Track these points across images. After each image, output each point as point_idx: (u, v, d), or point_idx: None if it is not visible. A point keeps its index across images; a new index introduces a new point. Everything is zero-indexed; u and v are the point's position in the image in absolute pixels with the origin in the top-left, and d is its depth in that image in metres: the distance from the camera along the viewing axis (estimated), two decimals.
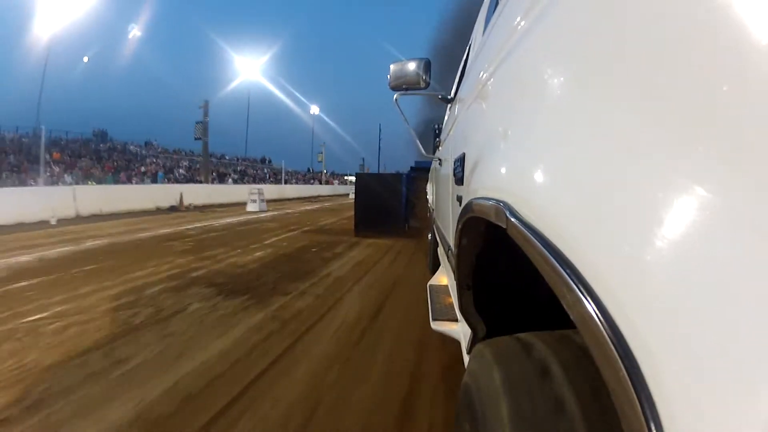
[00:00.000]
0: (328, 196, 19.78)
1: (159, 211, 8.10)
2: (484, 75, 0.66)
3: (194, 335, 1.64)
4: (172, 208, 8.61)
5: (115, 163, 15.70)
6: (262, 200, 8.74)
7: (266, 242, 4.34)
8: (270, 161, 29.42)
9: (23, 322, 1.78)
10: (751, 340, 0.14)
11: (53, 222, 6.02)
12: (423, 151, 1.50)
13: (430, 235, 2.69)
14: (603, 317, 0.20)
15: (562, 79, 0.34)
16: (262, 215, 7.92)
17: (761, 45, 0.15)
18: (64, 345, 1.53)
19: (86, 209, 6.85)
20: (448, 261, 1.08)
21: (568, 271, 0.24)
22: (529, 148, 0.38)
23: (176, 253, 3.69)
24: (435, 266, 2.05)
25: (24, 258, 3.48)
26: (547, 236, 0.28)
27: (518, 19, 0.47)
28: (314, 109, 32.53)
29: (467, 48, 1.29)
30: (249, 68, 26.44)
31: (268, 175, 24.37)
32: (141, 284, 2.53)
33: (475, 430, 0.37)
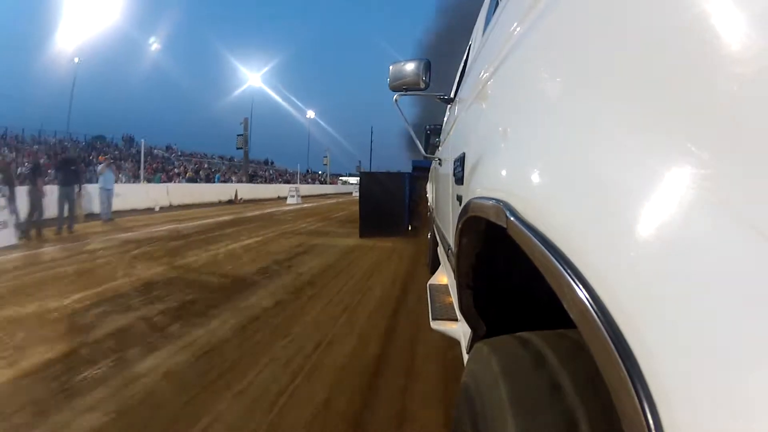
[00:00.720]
0: (335, 194, 23.23)
1: (221, 203, 10.95)
2: (485, 75, 0.66)
3: (342, 236, 4.82)
4: (230, 201, 11.41)
5: (151, 166, 16.75)
6: (299, 196, 12.28)
7: (334, 216, 7.42)
8: (273, 163, 30.75)
9: (249, 243, 4.11)
10: (750, 338, 0.14)
11: (156, 209, 8.00)
12: (423, 151, 1.50)
13: (429, 234, 2.70)
14: (603, 317, 0.20)
15: (562, 79, 0.34)
16: (304, 206, 10.71)
17: (759, 46, 0.15)
18: (292, 241, 4.27)
19: (176, 201, 9.33)
20: (448, 260, 1.08)
21: (568, 270, 0.24)
22: (530, 148, 0.38)
23: (290, 220, 6.51)
24: (435, 266, 2.05)
25: (182, 226, 5.33)
26: (547, 236, 0.28)
27: (518, 19, 0.47)
28: (310, 114, 35.03)
29: (467, 48, 1.29)
30: (252, 76, 27.82)
31: (273, 176, 25.12)
32: (294, 229, 5.39)
33: (475, 424, 0.37)
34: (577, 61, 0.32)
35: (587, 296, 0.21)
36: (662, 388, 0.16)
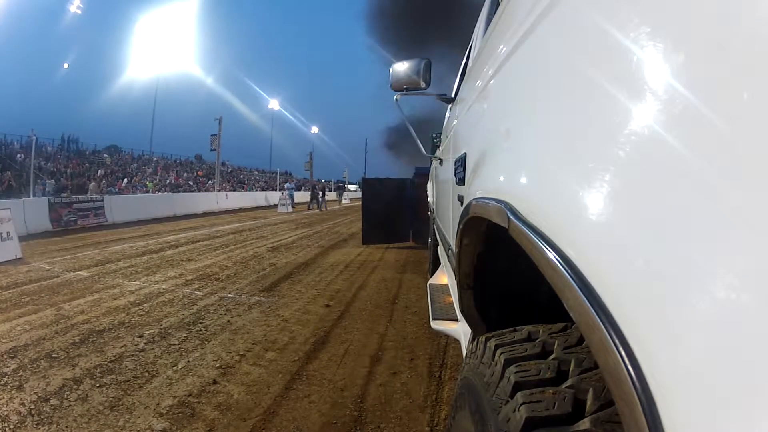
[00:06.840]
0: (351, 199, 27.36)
1: (260, 207, 14.01)
2: (486, 76, 0.66)
3: None
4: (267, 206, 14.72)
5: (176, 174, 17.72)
6: (348, 198, 18.24)
7: None
8: (291, 173, 33.63)
9: (328, 226, 7.68)
10: (751, 339, 0.14)
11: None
12: (424, 151, 1.51)
13: (429, 239, 2.68)
14: (604, 317, 0.20)
15: (563, 79, 0.34)
16: (349, 204, 16.53)
17: (758, 46, 0.15)
18: (351, 225, 7.54)
19: (234, 204, 12.15)
20: (449, 260, 1.08)
21: (569, 271, 0.24)
22: (531, 149, 0.39)
23: (347, 213, 10.82)
24: (435, 267, 2.05)
25: (267, 221, 8.51)
26: (548, 236, 0.28)
27: (519, 20, 0.47)
28: (314, 129, 38.80)
29: (468, 49, 1.29)
30: (270, 102, 29.69)
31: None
32: (355, 218, 8.36)
33: (478, 415, 0.37)
34: (578, 61, 0.32)
35: (588, 297, 0.22)
36: (663, 388, 0.16)
